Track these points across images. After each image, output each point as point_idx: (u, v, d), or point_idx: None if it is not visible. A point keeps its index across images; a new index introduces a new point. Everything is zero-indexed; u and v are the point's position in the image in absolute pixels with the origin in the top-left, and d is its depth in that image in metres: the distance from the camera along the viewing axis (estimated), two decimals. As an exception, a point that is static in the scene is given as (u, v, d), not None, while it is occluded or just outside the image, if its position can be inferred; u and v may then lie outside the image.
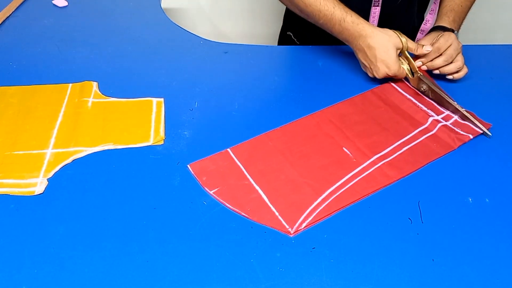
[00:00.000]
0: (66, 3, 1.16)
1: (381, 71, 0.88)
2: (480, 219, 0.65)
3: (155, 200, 0.67)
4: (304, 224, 0.64)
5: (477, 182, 0.70)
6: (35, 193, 0.68)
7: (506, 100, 0.86)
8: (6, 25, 1.07)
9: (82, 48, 1.00)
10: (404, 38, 0.87)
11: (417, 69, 0.88)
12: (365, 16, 1.03)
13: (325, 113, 0.83)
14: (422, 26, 1.06)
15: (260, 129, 0.79)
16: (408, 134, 0.79)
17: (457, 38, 0.92)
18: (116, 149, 0.75)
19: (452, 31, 0.93)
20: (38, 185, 0.69)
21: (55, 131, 0.78)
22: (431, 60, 0.89)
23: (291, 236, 0.63)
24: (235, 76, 0.92)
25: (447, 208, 0.66)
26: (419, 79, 0.88)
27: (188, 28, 1.08)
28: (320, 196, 0.68)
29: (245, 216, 0.65)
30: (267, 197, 0.67)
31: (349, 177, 0.71)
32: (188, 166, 0.72)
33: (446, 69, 0.90)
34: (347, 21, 0.88)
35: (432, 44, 0.89)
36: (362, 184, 0.70)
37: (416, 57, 0.90)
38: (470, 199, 0.67)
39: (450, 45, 0.88)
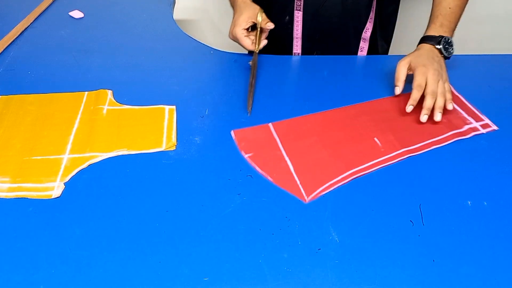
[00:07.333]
0: (82, 15, 1.18)
1: (230, 29, 0.95)
2: (479, 222, 0.66)
3: (167, 203, 0.68)
4: (317, 192, 0.70)
5: (476, 186, 0.72)
6: (52, 197, 0.69)
7: (504, 107, 0.87)
8: (24, 36, 1.10)
9: (97, 58, 1.02)
10: (261, 17, 0.92)
11: (256, 49, 0.94)
12: (290, 19, 1.06)
13: (363, 106, 0.88)
14: (363, 34, 1.05)
15: (268, 135, 0.81)
16: (442, 135, 0.81)
17: (451, 42, 0.90)
18: (130, 154, 0.77)
19: (441, 37, 0.90)
20: (55, 189, 0.70)
21: (72, 137, 0.80)
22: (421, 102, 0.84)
23: (305, 202, 0.68)
24: (244, 85, 0.94)
25: (447, 211, 0.68)
26: (255, 55, 0.94)
27: (199, 39, 1.10)
28: (342, 174, 0.73)
29: (270, 180, 0.72)
30: (293, 168, 0.74)
31: (373, 163, 0.75)
32: (232, 132, 0.80)
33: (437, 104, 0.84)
34: None
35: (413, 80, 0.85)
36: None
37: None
38: (469, 202, 0.69)
39: (427, 77, 0.84)
